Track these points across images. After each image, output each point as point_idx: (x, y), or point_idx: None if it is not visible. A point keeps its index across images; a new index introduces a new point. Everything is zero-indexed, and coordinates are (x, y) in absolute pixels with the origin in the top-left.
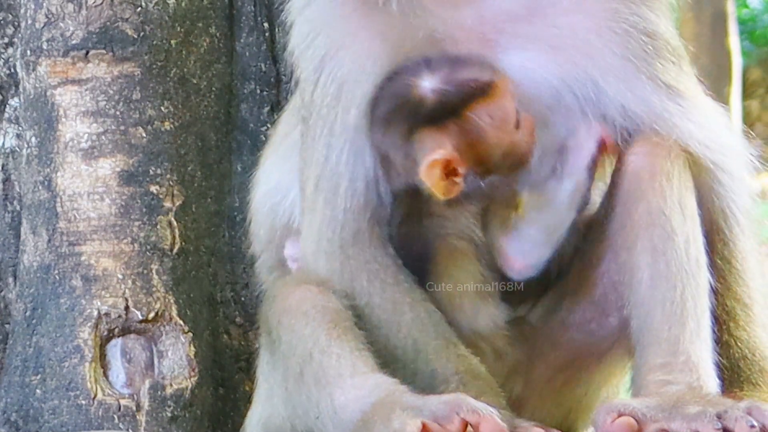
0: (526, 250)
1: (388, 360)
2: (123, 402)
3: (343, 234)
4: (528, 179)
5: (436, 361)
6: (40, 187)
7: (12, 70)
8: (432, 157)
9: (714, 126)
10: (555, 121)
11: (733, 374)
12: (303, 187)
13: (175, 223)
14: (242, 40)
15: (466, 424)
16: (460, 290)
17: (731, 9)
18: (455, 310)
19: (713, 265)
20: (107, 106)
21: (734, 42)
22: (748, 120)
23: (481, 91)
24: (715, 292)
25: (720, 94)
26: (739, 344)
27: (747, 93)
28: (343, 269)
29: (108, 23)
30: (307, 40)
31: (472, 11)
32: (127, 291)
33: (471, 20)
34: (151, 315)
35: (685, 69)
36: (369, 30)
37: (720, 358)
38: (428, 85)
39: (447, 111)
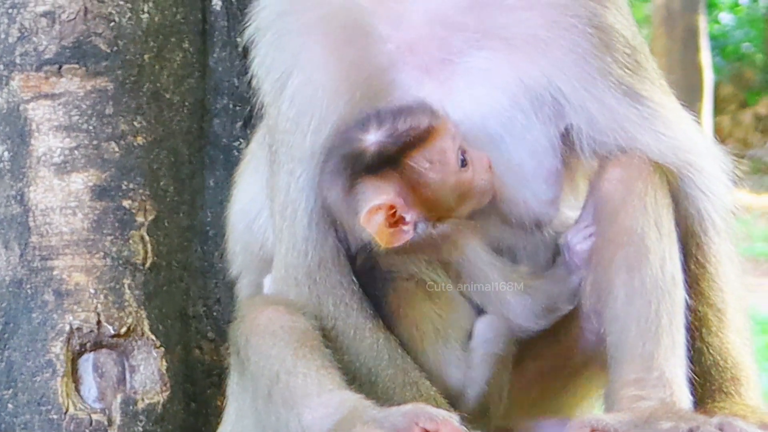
0: (525, 314)
1: (355, 375)
2: (95, 416)
3: (307, 261)
4: (501, 237)
5: (390, 390)
6: (13, 202)
7: None
8: (372, 204)
9: (679, 127)
10: (513, 135)
11: (705, 383)
12: (272, 214)
13: (147, 237)
14: (215, 55)
15: None
16: (418, 334)
17: (703, 25)
18: (418, 354)
19: (687, 270)
20: (80, 121)
21: (706, 58)
22: (719, 136)
23: (419, 138)
24: (688, 296)
25: (691, 110)
26: (712, 351)
27: (718, 109)
28: (310, 294)
29: (81, 38)
30: (268, 61)
31: (417, 8)
32: (99, 305)
33: (418, 17)
34: (123, 330)
35: (645, 65)
36: (322, 47)
37: (692, 366)
38: (369, 138)
39: (386, 160)
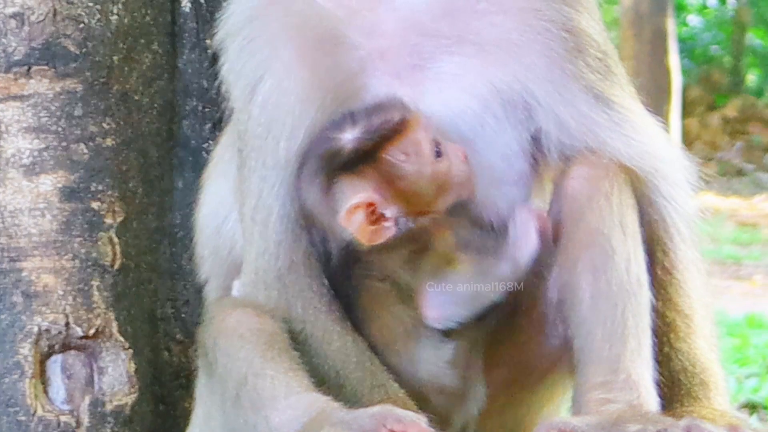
0: (445, 305)
1: (323, 378)
2: (63, 418)
3: (278, 265)
4: (471, 238)
5: (358, 392)
6: None
7: None
8: (351, 203)
9: (648, 133)
10: (484, 139)
11: (673, 388)
12: (241, 218)
13: (116, 239)
14: (184, 57)
15: None
16: (390, 334)
17: (671, 27)
18: (390, 355)
19: (654, 276)
20: (49, 122)
21: (674, 60)
22: (687, 139)
23: (392, 131)
24: (655, 303)
25: (659, 113)
26: (680, 356)
27: (686, 111)
28: (279, 297)
29: (50, 39)
30: (237, 67)
31: (389, 15)
32: (67, 307)
33: (391, 26)
34: (92, 331)
35: (615, 70)
36: (293, 53)
37: (660, 371)
38: (345, 136)
39: (361, 157)
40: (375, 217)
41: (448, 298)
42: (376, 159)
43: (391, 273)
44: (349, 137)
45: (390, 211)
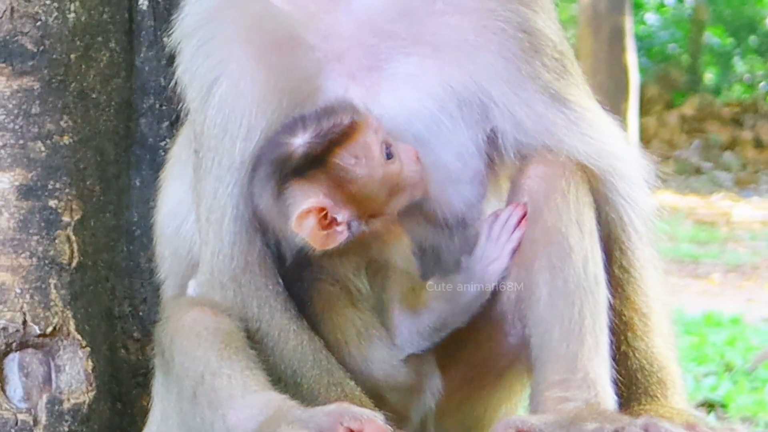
0: (415, 334)
1: (280, 376)
2: (20, 416)
3: (232, 265)
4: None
5: (314, 391)
6: None
7: None
8: (302, 208)
9: (604, 133)
10: (439, 139)
11: (631, 386)
12: (197, 218)
13: (73, 237)
14: (142, 55)
15: None
16: (342, 337)
17: (629, 25)
18: (344, 356)
19: (611, 275)
20: (6, 120)
21: (632, 58)
22: (645, 137)
23: (342, 135)
24: (612, 301)
25: (617, 111)
26: (637, 355)
27: (644, 110)
28: (235, 296)
29: (7, 37)
30: (193, 68)
31: (346, 18)
32: (25, 305)
33: (348, 28)
34: (49, 329)
35: (572, 70)
36: (249, 54)
37: (618, 369)
38: (296, 141)
39: (312, 162)
40: (327, 221)
41: (417, 327)
42: (327, 163)
43: (343, 278)
44: (299, 142)
45: (342, 216)
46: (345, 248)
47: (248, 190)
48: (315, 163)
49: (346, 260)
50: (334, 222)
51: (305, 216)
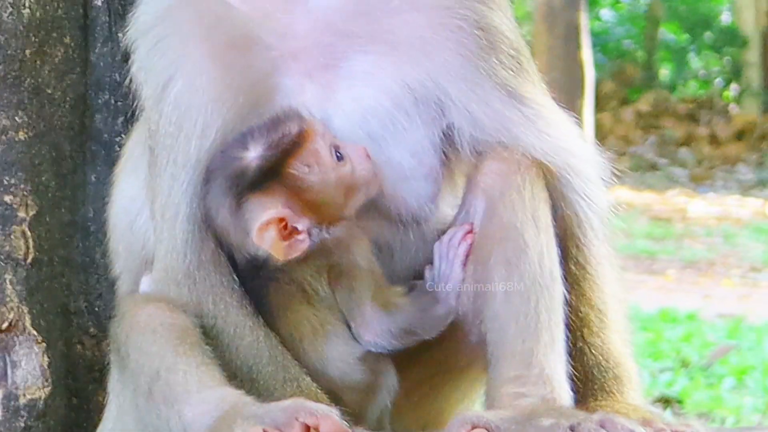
0: (382, 334)
1: (236, 373)
2: None
3: (186, 262)
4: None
5: (270, 386)
6: None
7: None
8: (261, 220)
9: (560, 130)
10: (395, 136)
11: (587, 382)
12: (152, 215)
13: (29, 233)
14: (97, 50)
15: (307, 427)
16: (297, 334)
17: (584, 21)
18: (299, 355)
19: (568, 271)
20: None
21: (587, 55)
22: (601, 133)
23: (292, 144)
24: (569, 298)
25: (573, 107)
26: (593, 351)
27: (600, 106)
28: (190, 293)
29: None
30: (148, 66)
31: (303, 18)
32: None
33: (304, 27)
34: (5, 325)
35: (527, 67)
36: (205, 53)
37: (574, 366)
38: (249, 155)
39: (267, 174)
40: (287, 231)
41: (389, 326)
42: (281, 174)
43: (300, 280)
44: (252, 155)
45: (302, 224)
46: (306, 255)
47: (203, 204)
48: (270, 175)
49: (306, 264)
50: (294, 231)
51: (265, 228)
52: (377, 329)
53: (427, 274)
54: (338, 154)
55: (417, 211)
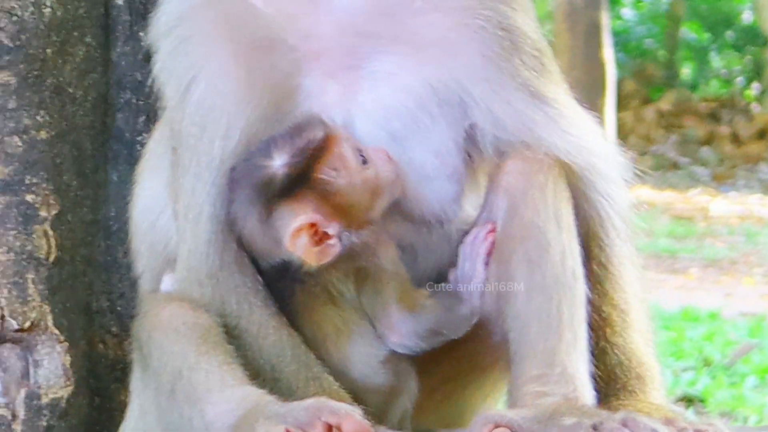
0: (410, 335)
1: (259, 372)
2: None
3: (209, 263)
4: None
5: (293, 385)
6: None
7: None
8: (293, 226)
9: (583, 130)
10: (418, 137)
11: (609, 382)
12: (175, 215)
13: (51, 232)
14: (118, 50)
15: (329, 426)
16: (320, 334)
17: (605, 21)
18: (322, 355)
19: (590, 271)
20: None
21: (608, 54)
22: (622, 132)
23: (318, 150)
24: (591, 297)
25: (594, 106)
26: (616, 350)
27: (621, 105)
28: (213, 293)
29: None
30: (171, 66)
31: (326, 19)
32: (2, 300)
33: (327, 28)
34: (27, 324)
35: (550, 67)
36: (228, 53)
37: (596, 365)
38: (275, 163)
39: (295, 181)
40: (318, 237)
41: (415, 328)
42: (310, 180)
43: (324, 281)
44: (278, 163)
45: (332, 229)
46: (334, 259)
47: (229, 216)
48: (298, 182)
49: (333, 268)
50: (325, 236)
51: (298, 234)
52: (404, 331)
53: (451, 274)
54: (362, 158)
55: (440, 211)
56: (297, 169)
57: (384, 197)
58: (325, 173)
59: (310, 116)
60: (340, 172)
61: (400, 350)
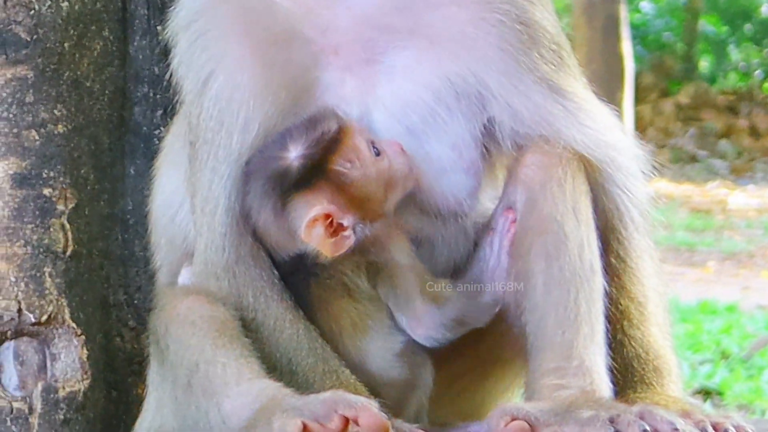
0: (438, 324)
1: (275, 365)
2: (15, 405)
3: (225, 256)
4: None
5: (310, 379)
6: None
7: None
8: (309, 217)
9: (601, 123)
10: (435, 130)
11: (626, 374)
12: (192, 209)
13: (68, 225)
14: (135, 43)
15: (346, 419)
16: (336, 327)
17: (624, 14)
18: (338, 349)
19: (608, 264)
20: (0, 109)
21: (627, 47)
22: (641, 125)
23: (333, 142)
24: (609, 290)
25: (612, 99)
26: (633, 343)
27: (639, 98)
28: (230, 287)
29: (1, 26)
30: (189, 60)
31: (344, 13)
32: (19, 294)
33: (346, 22)
34: (44, 318)
35: (568, 61)
36: (246, 48)
37: (614, 358)
38: (290, 154)
39: (310, 173)
40: (333, 228)
41: (441, 319)
42: (325, 171)
43: (339, 274)
44: (294, 155)
45: (347, 220)
46: (347, 252)
47: (245, 206)
48: (313, 174)
49: (346, 261)
50: (340, 228)
51: (313, 225)
52: (430, 323)
53: (473, 264)
54: (376, 150)
55: (457, 205)
56: (312, 160)
57: (398, 189)
58: (339, 165)
59: (324, 109)
60: (354, 164)
61: (426, 342)
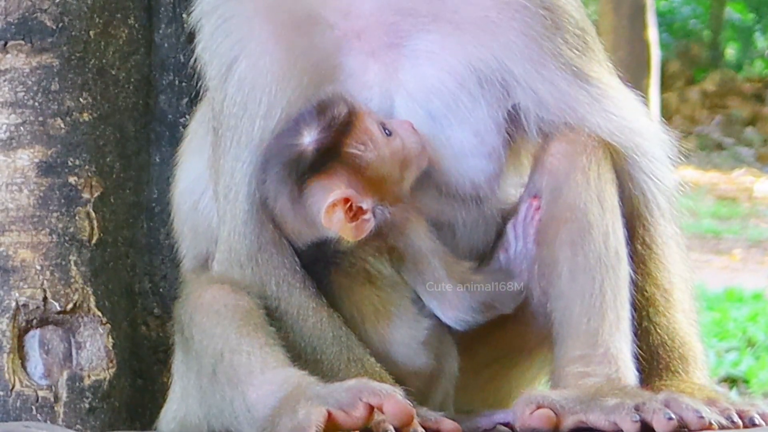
0: (468, 307)
1: (299, 353)
2: (41, 393)
3: (248, 243)
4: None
5: (334, 367)
6: None
7: None
8: (328, 202)
9: (627, 109)
10: (457, 115)
11: (652, 362)
12: (215, 196)
13: (93, 214)
14: (161, 31)
15: (371, 407)
16: (359, 315)
17: (650, 1)
18: (362, 337)
19: (634, 251)
20: (26, 97)
21: (653, 34)
22: (667, 113)
23: (345, 125)
24: (635, 277)
25: (638, 87)
26: (659, 330)
27: (665, 85)
28: (253, 275)
29: (27, 14)
30: (213, 46)
31: (370, 3)
32: (45, 282)
33: (368, 7)
34: (70, 306)
35: (593, 47)
36: (269, 33)
37: (639, 345)
38: (304, 140)
39: (325, 157)
40: (353, 212)
41: (471, 302)
42: (340, 155)
43: (360, 261)
44: (308, 140)
45: (366, 203)
46: (372, 238)
47: (261, 193)
48: (328, 158)
49: (366, 247)
50: (359, 211)
51: (332, 210)
52: (459, 305)
53: (497, 251)
54: (387, 131)
55: (477, 189)
56: (326, 144)
57: (412, 168)
58: (353, 148)
59: (332, 93)
60: (367, 146)
61: (457, 325)
